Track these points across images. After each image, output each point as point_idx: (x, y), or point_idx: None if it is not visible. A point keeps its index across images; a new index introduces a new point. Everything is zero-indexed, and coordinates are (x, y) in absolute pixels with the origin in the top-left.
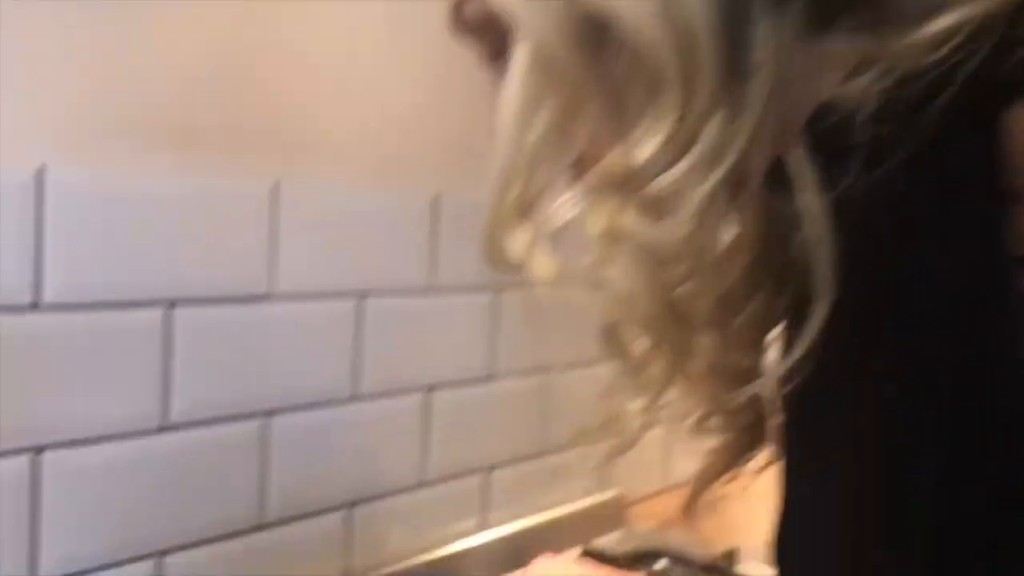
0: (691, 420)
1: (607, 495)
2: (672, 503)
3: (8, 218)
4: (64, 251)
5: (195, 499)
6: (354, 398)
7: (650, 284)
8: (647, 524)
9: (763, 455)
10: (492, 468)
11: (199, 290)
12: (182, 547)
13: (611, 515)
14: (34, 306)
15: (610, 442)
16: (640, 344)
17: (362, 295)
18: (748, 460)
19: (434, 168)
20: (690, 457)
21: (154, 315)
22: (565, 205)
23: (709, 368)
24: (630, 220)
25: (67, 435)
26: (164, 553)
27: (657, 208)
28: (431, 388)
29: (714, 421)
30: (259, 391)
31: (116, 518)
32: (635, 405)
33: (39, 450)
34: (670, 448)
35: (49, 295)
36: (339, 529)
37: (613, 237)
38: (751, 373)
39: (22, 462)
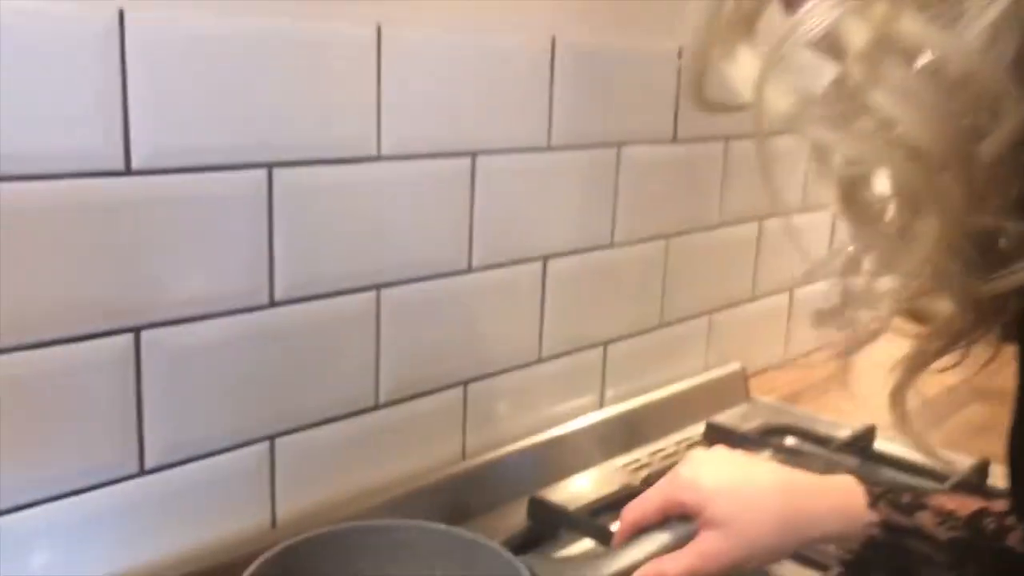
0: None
1: (728, 369)
2: (794, 377)
3: (86, 73)
4: (152, 107)
5: (305, 379)
6: (468, 269)
7: (934, 113)
8: (769, 399)
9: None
10: (609, 342)
11: (301, 151)
12: (294, 430)
13: (732, 390)
14: (125, 172)
15: (849, 329)
16: (889, 206)
17: (474, 154)
18: (963, 349)
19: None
20: (810, 329)
21: (254, 178)
22: (813, 14)
23: (965, 241)
24: (912, 24)
25: (165, 313)
26: (275, 436)
27: (947, 7)
28: (547, 257)
29: (944, 304)
30: (368, 262)
31: (223, 401)
32: (883, 283)
33: (137, 330)
34: (790, 319)
35: (137, 160)
36: (453, 408)
37: (884, 51)
38: (1009, 257)
39: (121, 343)
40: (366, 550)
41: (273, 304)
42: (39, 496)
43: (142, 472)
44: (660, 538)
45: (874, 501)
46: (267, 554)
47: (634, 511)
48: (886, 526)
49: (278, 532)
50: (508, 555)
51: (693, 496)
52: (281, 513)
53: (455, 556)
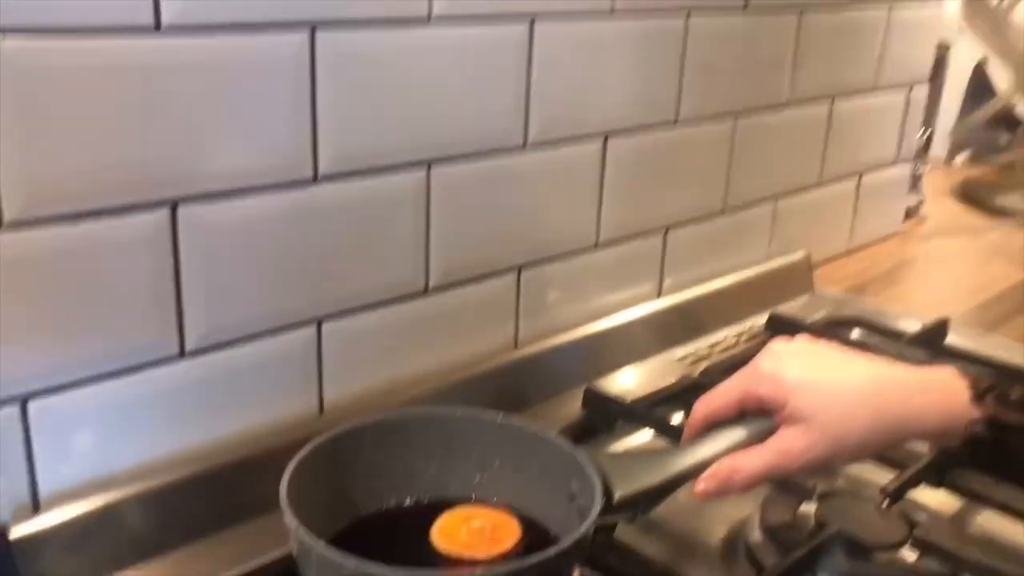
0: None
1: (792, 258)
2: (861, 267)
3: None
4: None
5: (352, 261)
6: (523, 146)
7: None
8: (835, 290)
9: None
10: (670, 228)
11: (345, 10)
12: (341, 314)
13: (797, 280)
14: (155, 29)
15: None
16: None
17: (532, 18)
18: None
19: None
20: (879, 217)
21: (294, 41)
22: None
23: None
24: None
25: (203, 186)
26: (321, 320)
27: None
28: (608, 135)
29: None
30: (417, 136)
31: (265, 283)
32: None
33: (174, 204)
34: (858, 206)
35: (168, 16)
36: (506, 295)
37: None
38: None
39: (157, 218)
40: (419, 439)
41: (316, 180)
42: (76, 378)
43: (182, 355)
44: (735, 434)
45: (979, 396)
46: (317, 440)
47: (707, 404)
48: (992, 423)
49: (325, 418)
50: (571, 447)
51: (773, 389)
52: (328, 399)
53: (512, 448)
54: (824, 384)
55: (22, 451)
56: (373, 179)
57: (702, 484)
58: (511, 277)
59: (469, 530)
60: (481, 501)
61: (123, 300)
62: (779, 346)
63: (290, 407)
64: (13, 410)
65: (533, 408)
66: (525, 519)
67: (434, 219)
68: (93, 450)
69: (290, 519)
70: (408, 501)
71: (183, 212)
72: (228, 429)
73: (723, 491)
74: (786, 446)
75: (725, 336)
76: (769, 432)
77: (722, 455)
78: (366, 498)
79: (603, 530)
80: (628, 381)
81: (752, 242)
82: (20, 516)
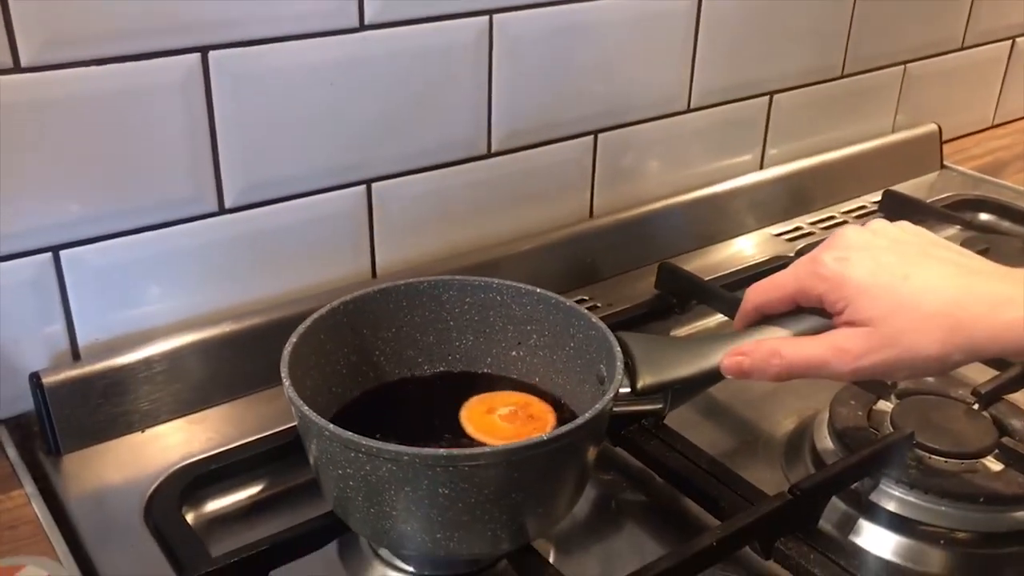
0: None
1: (920, 131)
2: (999, 145)
3: None
4: None
5: (405, 118)
6: None
7: None
8: (966, 168)
9: None
10: (776, 92)
11: None
12: (393, 175)
13: (923, 155)
14: None
15: None
16: None
17: None
18: None
19: None
20: None
21: None
22: None
23: None
24: None
25: (235, 32)
26: (371, 181)
27: None
28: None
29: None
30: None
31: (309, 138)
32: None
33: (205, 49)
34: (1007, 75)
35: None
36: (581, 160)
37: None
38: None
39: (187, 64)
40: (454, 308)
41: (364, 27)
42: (110, 230)
43: (222, 211)
44: (787, 332)
45: None
46: (336, 301)
47: (759, 293)
48: None
49: (380, 282)
50: (603, 327)
51: (832, 291)
52: (382, 264)
53: (549, 324)
54: (894, 290)
55: (58, 300)
56: (426, 27)
57: (734, 358)
58: (586, 141)
59: (502, 416)
60: (515, 377)
61: (156, 151)
62: (850, 234)
63: (340, 270)
64: (46, 259)
65: (605, 283)
66: (553, 401)
67: (497, 74)
68: (131, 303)
69: (286, 377)
70: (439, 370)
71: (215, 57)
72: (274, 289)
73: (756, 373)
74: (841, 344)
75: (833, 213)
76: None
77: None
78: (394, 364)
79: (629, 418)
80: (714, 258)
81: (875, 111)
82: (57, 364)
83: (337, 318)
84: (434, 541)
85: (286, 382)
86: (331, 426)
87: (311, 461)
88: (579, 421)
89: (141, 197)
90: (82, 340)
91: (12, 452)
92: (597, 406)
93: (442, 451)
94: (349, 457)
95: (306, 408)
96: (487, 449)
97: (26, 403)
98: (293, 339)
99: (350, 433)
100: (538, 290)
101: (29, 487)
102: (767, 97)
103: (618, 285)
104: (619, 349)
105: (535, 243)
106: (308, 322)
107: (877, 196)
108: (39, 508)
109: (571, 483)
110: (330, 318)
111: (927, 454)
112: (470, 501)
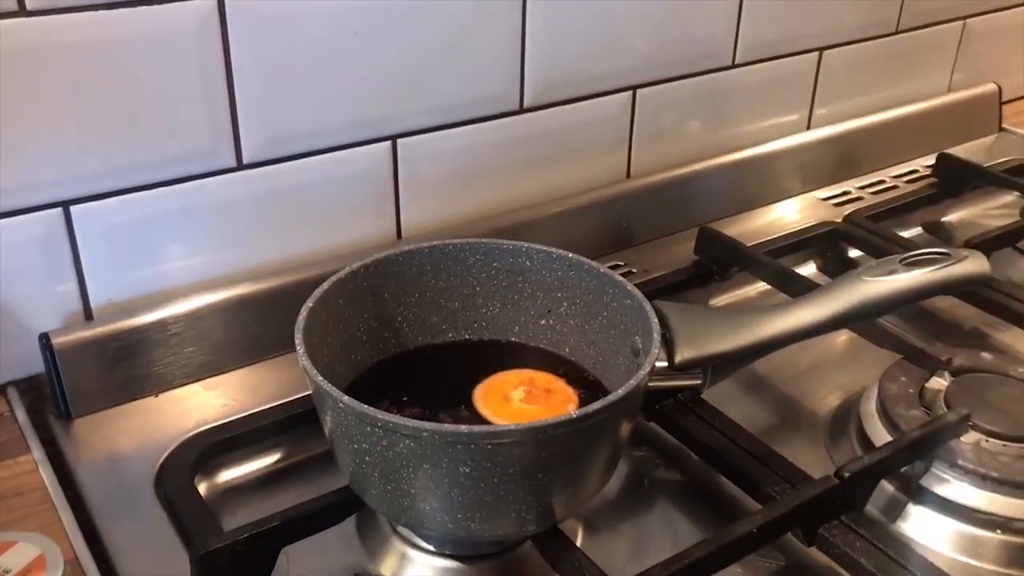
0: None
1: (978, 90)
2: None
3: None
4: None
5: (432, 70)
6: None
7: None
8: None
9: None
10: (826, 48)
11: None
12: (419, 131)
13: (981, 117)
14: None
15: None
16: None
17: None
18: None
19: None
20: None
21: None
22: None
23: None
24: None
25: None
26: (396, 137)
27: None
28: None
29: None
30: None
31: (330, 90)
32: None
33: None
34: None
35: None
36: (618, 118)
37: None
38: None
39: (204, 7)
40: (481, 272)
41: None
42: (123, 185)
43: (240, 167)
44: (834, 303)
45: None
46: (357, 264)
47: None
48: None
49: (403, 244)
50: (640, 296)
51: None
52: (408, 224)
53: (581, 290)
54: None
55: (69, 259)
56: None
57: None
58: (624, 97)
59: (522, 399)
60: (544, 347)
61: (169, 102)
62: None
63: (364, 230)
64: (55, 214)
65: (640, 248)
66: (584, 374)
67: (530, 23)
68: (145, 262)
69: (300, 344)
70: (465, 337)
71: (232, 1)
72: (294, 249)
73: None
74: None
75: (883, 177)
76: None
77: (810, 327)
78: (417, 331)
79: (667, 393)
80: (757, 222)
81: (931, 69)
82: (69, 325)
83: (357, 282)
84: (455, 521)
85: (300, 349)
86: (346, 398)
87: (326, 434)
88: (611, 398)
89: (154, 151)
90: (95, 300)
91: (22, 415)
92: (631, 382)
93: (463, 428)
94: (365, 432)
95: (320, 378)
96: (512, 427)
97: (38, 364)
98: (309, 303)
99: (366, 407)
100: (570, 255)
101: (37, 452)
102: (816, 53)
103: (655, 250)
104: (656, 320)
105: (568, 205)
106: (326, 285)
107: (931, 160)
108: (47, 475)
109: (601, 463)
110: (349, 281)
111: (984, 437)
112: (493, 481)
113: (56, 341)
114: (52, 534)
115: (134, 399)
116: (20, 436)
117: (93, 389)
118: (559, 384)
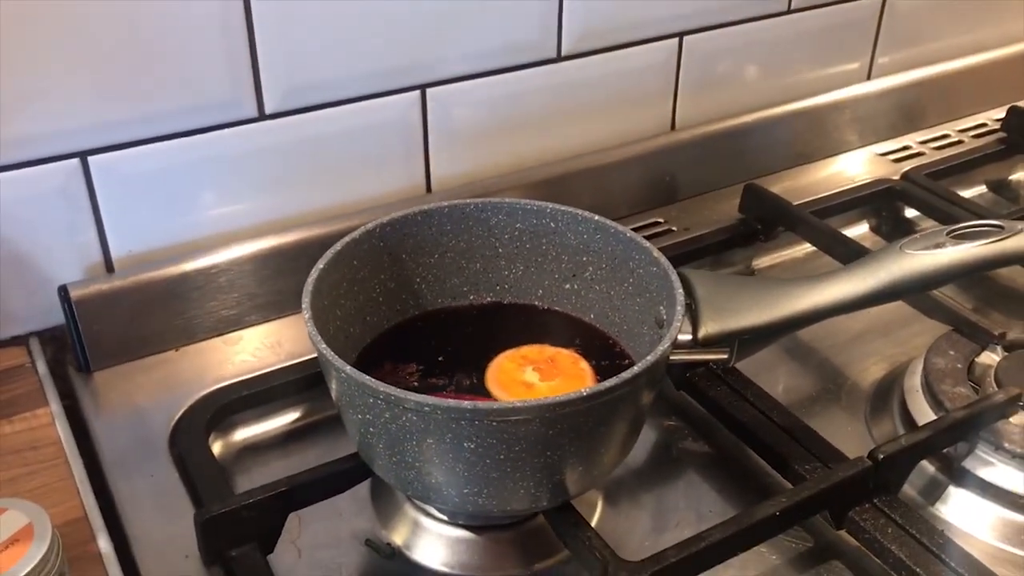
0: None
1: None
2: None
3: None
4: None
5: (463, 16)
6: None
7: None
8: None
9: None
10: None
11: None
12: (450, 80)
13: None
14: None
15: None
16: None
17: None
18: None
19: None
20: None
21: None
22: None
23: None
24: None
25: None
26: (426, 87)
27: None
28: None
29: None
30: None
31: (356, 38)
32: None
33: None
34: None
35: None
36: (662, 66)
37: None
38: None
39: None
40: (504, 233)
41: None
42: (142, 135)
43: (262, 117)
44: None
45: None
46: (395, 214)
47: None
48: None
49: (432, 199)
50: (666, 263)
51: None
52: (437, 177)
53: (607, 254)
54: None
55: (88, 210)
56: None
57: None
58: (669, 45)
59: (537, 375)
60: (567, 312)
61: (187, 48)
62: None
63: (392, 182)
64: (73, 165)
65: (683, 204)
66: (608, 342)
67: None
68: (166, 214)
69: (306, 308)
70: (487, 300)
71: None
72: (319, 202)
73: None
74: None
75: (948, 131)
76: None
77: (845, 303)
78: (437, 293)
79: (693, 367)
80: (808, 179)
81: (1003, 15)
82: (90, 277)
83: (372, 242)
84: (461, 496)
85: (306, 314)
86: (348, 368)
87: (334, 402)
88: (625, 375)
89: (174, 101)
90: (116, 252)
91: (42, 367)
92: (649, 357)
93: (467, 404)
94: (368, 403)
95: (323, 345)
96: (518, 403)
97: (59, 316)
98: (320, 265)
99: (367, 378)
100: (596, 217)
101: (55, 405)
102: None
103: (699, 207)
104: (681, 290)
105: (608, 158)
106: (338, 246)
107: (1000, 113)
108: (63, 429)
109: (616, 440)
110: (364, 242)
111: None
112: (499, 458)
113: (75, 293)
114: (63, 490)
115: (154, 353)
116: (39, 388)
117: (113, 342)
118: (576, 360)
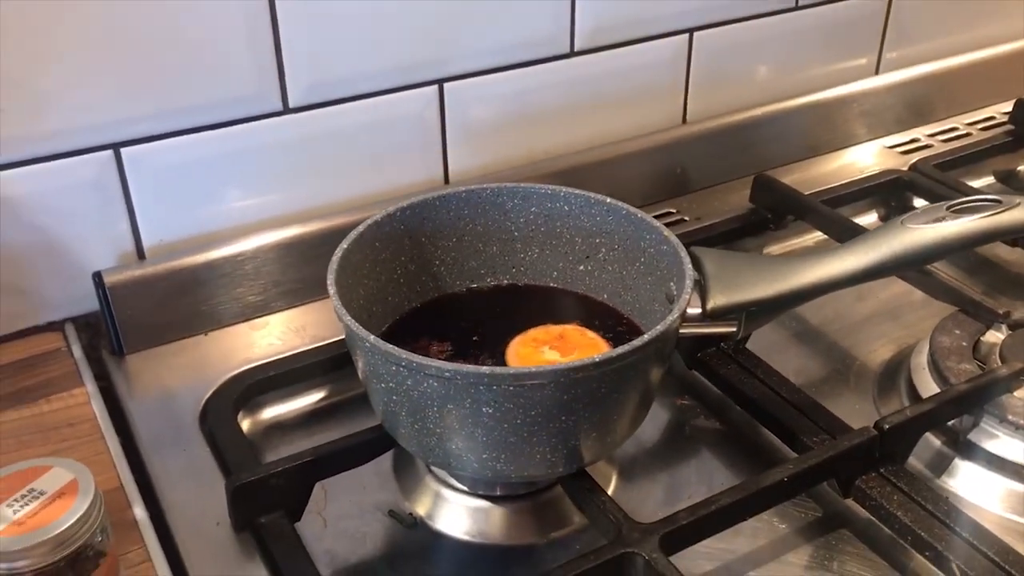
0: None
1: None
2: None
3: None
4: None
5: (480, 11)
6: None
7: None
8: None
9: None
10: None
11: None
12: (466, 75)
13: None
14: None
15: None
16: None
17: None
18: None
19: None
20: None
21: None
22: None
23: None
24: None
25: None
26: (443, 81)
27: None
28: None
29: None
30: None
31: (377, 34)
32: None
33: None
34: None
35: None
36: (673, 61)
37: None
38: None
39: None
40: (520, 217)
41: None
42: (171, 128)
43: (286, 110)
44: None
45: None
46: (392, 207)
47: None
48: None
49: (440, 189)
50: (676, 241)
51: None
52: (455, 169)
53: (619, 235)
54: None
55: (121, 200)
56: None
57: None
58: (680, 41)
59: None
60: (582, 292)
61: (215, 44)
62: None
63: (410, 174)
64: (107, 156)
65: (694, 195)
66: (622, 320)
67: None
68: (195, 204)
69: (331, 284)
70: (503, 282)
71: None
72: (340, 194)
73: None
74: None
75: (956, 124)
76: None
77: (848, 276)
78: (456, 275)
79: (708, 342)
80: (817, 171)
81: (1009, 10)
82: (123, 264)
83: (393, 225)
84: (480, 461)
85: (331, 289)
86: (372, 337)
87: (359, 373)
88: (636, 343)
89: (202, 95)
90: (147, 241)
91: (78, 351)
92: (658, 328)
93: (485, 369)
94: (391, 371)
95: (349, 318)
96: (534, 369)
97: (94, 302)
98: (344, 245)
99: (391, 346)
100: (608, 200)
101: (91, 386)
102: None
103: (710, 198)
104: (690, 265)
105: (621, 150)
106: (361, 228)
107: (1008, 106)
108: (98, 407)
109: (629, 408)
110: (385, 224)
111: None
112: (516, 422)
113: (109, 279)
114: (100, 463)
115: (184, 337)
116: (75, 370)
117: (145, 326)
118: (583, 331)
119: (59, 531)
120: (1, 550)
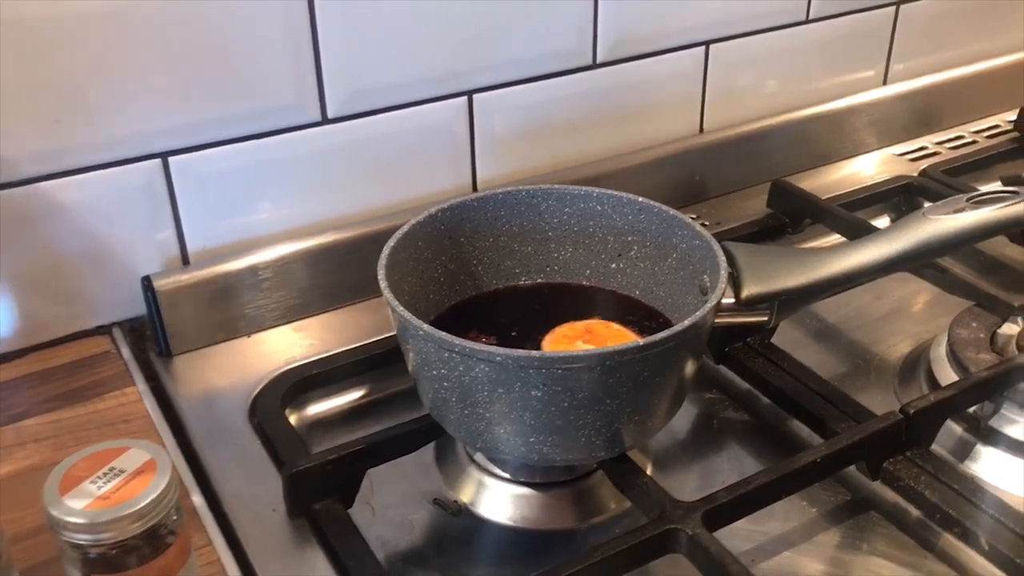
0: None
1: None
2: None
3: None
4: None
5: (508, 26)
6: None
7: None
8: None
9: None
10: (903, 2)
11: None
12: (495, 86)
13: None
14: None
15: None
16: None
17: None
18: None
19: None
20: None
21: None
22: None
23: None
24: None
25: None
26: (472, 92)
27: None
28: None
29: None
30: None
31: (410, 48)
32: None
33: None
34: None
35: None
36: (690, 73)
37: None
38: None
39: None
40: (553, 218)
41: None
42: (216, 137)
43: (325, 121)
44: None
45: None
46: (433, 209)
47: None
48: None
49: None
50: (708, 236)
51: None
52: (483, 177)
53: (651, 235)
54: None
55: (168, 207)
56: None
57: None
58: (697, 53)
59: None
60: (615, 290)
61: (258, 58)
62: None
63: (440, 183)
64: (155, 165)
65: (713, 201)
66: (655, 316)
67: None
68: (236, 211)
69: (383, 279)
70: (538, 281)
71: None
72: (375, 201)
73: None
74: None
75: (962, 133)
76: None
77: (875, 265)
78: (492, 274)
79: (734, 333)
80: (831, 177)
81: (1013, 22)
82: (168, 269)
83: (435, 225)
84: (527, 445)
85: (383, 283)
86: (425, 326)
87: (408, 364)
88: (677, 328)
89: (245, 106)
90: (191, 246)
91: (126, 352)
92: (698, 313)
93: (535, 352)
94: (443, 358)
95: (401, 308)
96: (580, 352)
97: (140, 306)
98: (391, 243)
99: (443, 333)
100: (640, 199)
101: (141, 385)
102: (893, 7)
103: (728, 204)
104: (723, 258)
105: (641, 159)
106: (406, 227)
107: (1012, 115)
108: (150, 404)
109: (668, 393)
110: (428, 224)
111: None
112: (563, 405)
113: (157, 284)
114: None
115: (228, 339)
116: (125, 371)
117: (190, 329)
118: (607, 324)
119: (141, 505)
120: (88, 522)
